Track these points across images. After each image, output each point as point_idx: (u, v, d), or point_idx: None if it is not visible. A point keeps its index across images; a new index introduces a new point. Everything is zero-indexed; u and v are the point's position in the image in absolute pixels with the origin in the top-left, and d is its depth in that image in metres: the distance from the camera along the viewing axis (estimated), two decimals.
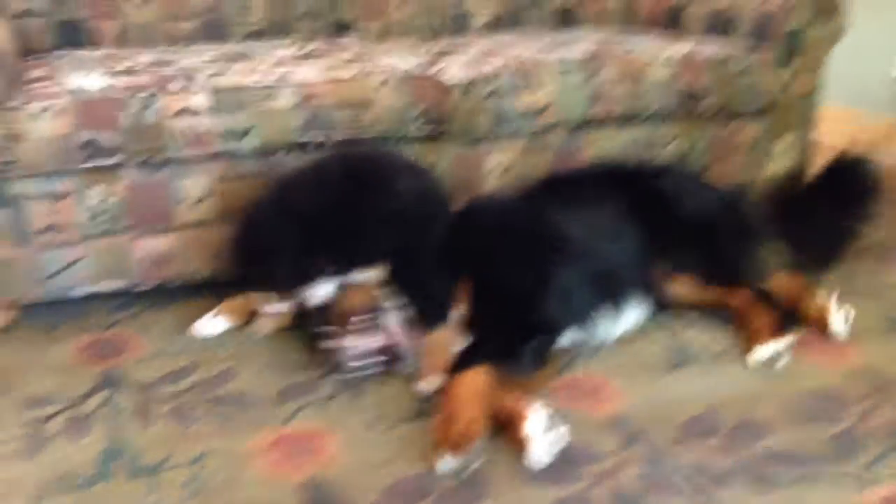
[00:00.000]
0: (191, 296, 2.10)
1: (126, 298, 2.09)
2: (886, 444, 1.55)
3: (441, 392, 1.63)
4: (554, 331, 1.80)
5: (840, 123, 3.46)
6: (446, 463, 1.48)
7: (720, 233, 2.03)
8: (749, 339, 1.85)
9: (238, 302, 2.01)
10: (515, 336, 1.73)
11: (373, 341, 1.74)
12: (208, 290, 2.11)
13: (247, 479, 1.47)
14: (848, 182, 2.23)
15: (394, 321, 1.77)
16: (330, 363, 1.77)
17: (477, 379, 1.60)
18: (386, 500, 1.42)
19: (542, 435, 1.48)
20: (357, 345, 1.74)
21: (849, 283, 2.15)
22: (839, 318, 1.88)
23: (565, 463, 1.50)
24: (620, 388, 1.74)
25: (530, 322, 1.77)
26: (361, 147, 2.10)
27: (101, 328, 1.98)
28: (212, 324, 1.97)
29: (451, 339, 1.75)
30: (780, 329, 1.85)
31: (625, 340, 1.92)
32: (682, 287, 1.99)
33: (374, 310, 1.76)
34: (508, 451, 1.52)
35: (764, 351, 1.80)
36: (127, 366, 1.82)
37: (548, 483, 1.46)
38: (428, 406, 1.67)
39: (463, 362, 1.66)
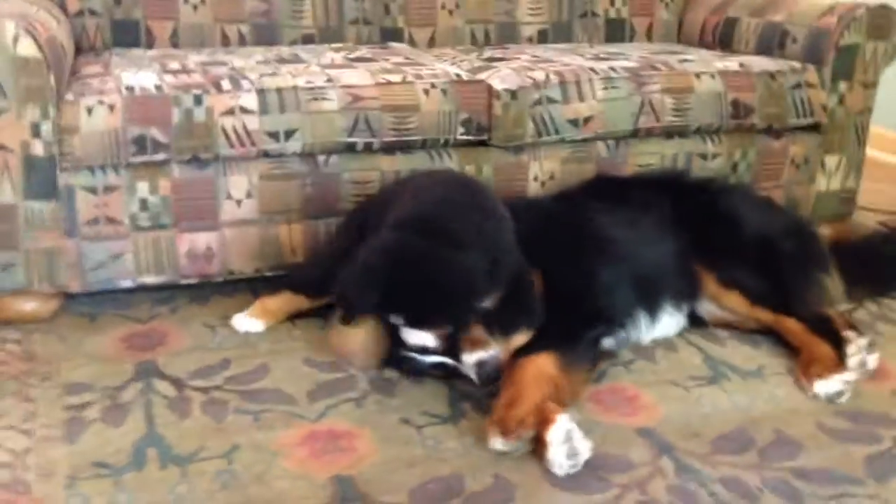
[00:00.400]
0: (231, 292, 2.14)
1: (168, 292, 2.13)
2: None
3: (506, 373, 1.65)
4: (608, 322, 1.82)
5: (889, 146, 3.39)
6: (498, 444, 1.51)
7: (779, 256, 2.00)
8: (808, 368, 1.80)
9: (275, 302, 2.02)
10: (576, 324, 1.75)
11: (496, 352, 1.69)
12: (249, 287, 2.14)
13: (276, 474, 1.47)
14: None
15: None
16: (478, 377, 1.68)
17: (541, 364, 1.62)
18: (414, 500, 1.42)
19: (561, 444, 1.47)
20: (492, 355, 1.68)
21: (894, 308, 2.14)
22: (854, 360, 1.79)
23: (594, 471, 1.49)
24: (653, 401, 1.72)
25: (587, 313, 1.79)
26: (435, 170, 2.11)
27: (142, 320, 2.02)
28: (247, 323, 1.99)
29: None
30: (840, 362, 1.79)
31: (659, 354, 1.90)
32: (730, 303, 1.97)
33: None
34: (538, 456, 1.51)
35: (829, 385, 1.74)
36: (165, 358, 1.84)
37: (576, 489, 1.44)
38: (460, 408, 1.67)
39: (528, 348, 1.67)
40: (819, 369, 1.78)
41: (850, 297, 2.11)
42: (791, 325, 1.91)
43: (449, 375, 1.73)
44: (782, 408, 1.70)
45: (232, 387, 1.74)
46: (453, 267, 1.62)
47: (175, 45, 2.50)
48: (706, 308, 2.00)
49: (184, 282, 2.09)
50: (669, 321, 1.96)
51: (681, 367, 1.85)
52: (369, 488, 1.44)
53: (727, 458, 1.53)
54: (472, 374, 1.67)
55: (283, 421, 1.63)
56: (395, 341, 1.73)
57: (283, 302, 2.02)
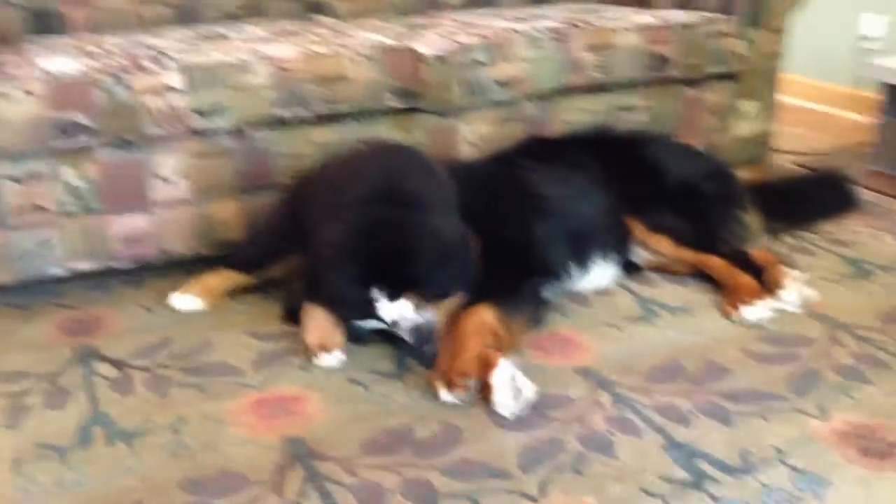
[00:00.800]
0: (167, 274, 2.12)
1: (101, 278, 2.11)
2: (837, 383, 1.61)
3: (447, 327, 1.68)
4: (545, 274, 1.87)
5: (803, 92, 3.53)
6: (445, 396, 1.56)
7: (701, 199, 2.09)
8: (732, 299, 1.88)
9: (213, 281, 2.01)
10: (514, 277, 1.80)
11: (431, 315, 1.70)
12: (184, 268, 2.13)
13: (226, 440, 1.49)
14: (830, 195, 2.38)
15: None
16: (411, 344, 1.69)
17: (482, 315, 1.67)
18: (365, 452, 1.45)
19: (505, 386, 1.52)
20: (426, 318, 1.69)
21: (810, 240, 2.25)
22: (791, 293, 1.89)
23: (537, 410, 1.54)
24: (589, 341, 1.78)
25: (524, 265, 1.84)
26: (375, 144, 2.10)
27: (76, 307, 2.00)
28: (187, 301, 1.98)
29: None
30: (764, 290, 1.89)
31: (594, 299, 1.97)
32: (658, 247, 2.04)
33: None
34: (486, 401, 1.56)
35: (754, 311, 1.83)
36: (103, 341, 1.83)
37: (521, 428, 1.50)
38: (405, 364, 1.71)
39: (468, 301, 1.72)
40: (744, 297, 1.87)
41: (770, 233, 2.22)
42: (714, 263, 2.00)
43: (386, 339, 1.76)
44: (709, 338, 1.78)
45: (174, 363, 1.74)
46: (429, 232, 1.64)
47: (92, 30, 2.46)
48: (639, 254, 2.07)
49: (117, 266, 2.07)
50: (602, 272, 2.02)
51: (614, 309, 1.92)
52: (321, 446, 1.46)
53: (660, 387, 1.60)
54: (408, 338, 1.69)
55: (230, 391, 1.64)
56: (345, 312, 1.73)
57: (222, 279, 2.02)
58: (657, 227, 2.04)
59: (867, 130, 2.91)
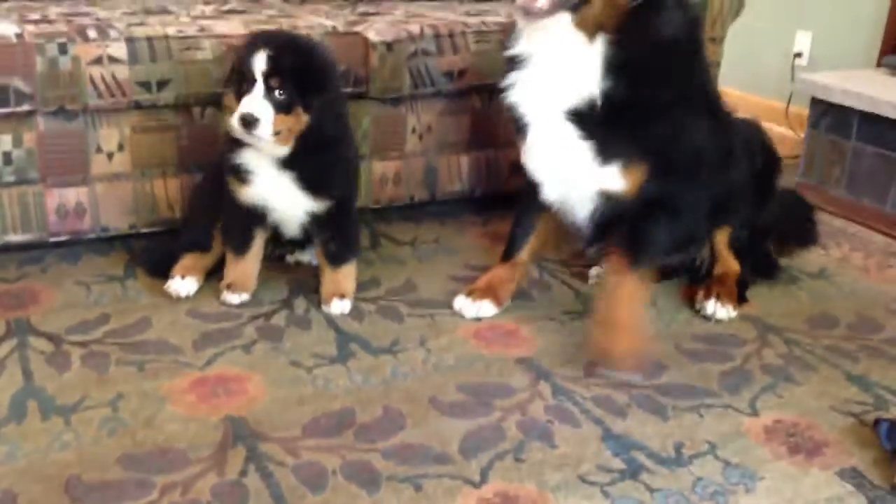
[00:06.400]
0: (106, 250, 2.08)
1: (36, 252, 2.05)
2: (767, 382, 1.68)
3: None
4: None
5: (739, 106, 3.65)
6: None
7: None
8: (712, 286, 1.93)
9: (198, 262, 1.93)
10: None
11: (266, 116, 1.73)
12: (123, 245, 2.10)
13: (166, 418, 1.47)
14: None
15: None
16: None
17: None
18: (307, 434, 1.45)
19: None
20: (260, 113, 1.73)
21: None
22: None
23: (479, 398, 1.57)
24: (530, 334, 1.81)
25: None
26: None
27: (10, 280, 1.94)
28: (185, 284, 1.89)
29: None
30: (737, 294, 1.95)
31: (535, 293, 2.00)
32: None
33: None
34: (428, 387, 1.59)
35: (721, 311, 1.90)
36: (38, 316, 1.78)
37: (461, 415, 1.52)
38: (348, 348, 1.71)
39: None
40: (722, 291, 1.92)
41: None
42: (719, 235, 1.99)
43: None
44: (647, 333, 1.82)
45: (113, 340, 1.71)
46: (316, 44, 1.87)
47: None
48: None
49: (53, 240, 2.03)
50: None
51: (555, 303, 1.96)
52: (262, 427, 1.46)
53: (599, 380, 1.65)
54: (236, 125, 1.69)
55: (170, 370, 1.62)
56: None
57: (198, 259, 1.93)
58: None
59: (799, 145, 3.02)
